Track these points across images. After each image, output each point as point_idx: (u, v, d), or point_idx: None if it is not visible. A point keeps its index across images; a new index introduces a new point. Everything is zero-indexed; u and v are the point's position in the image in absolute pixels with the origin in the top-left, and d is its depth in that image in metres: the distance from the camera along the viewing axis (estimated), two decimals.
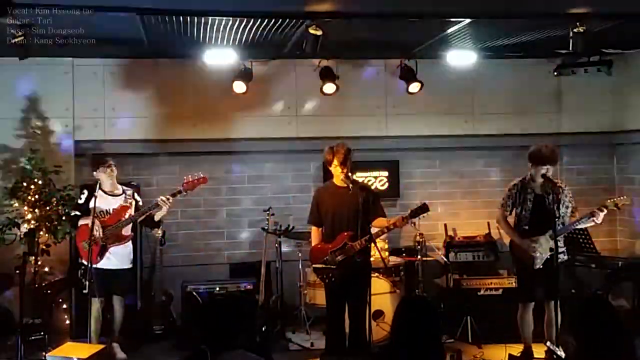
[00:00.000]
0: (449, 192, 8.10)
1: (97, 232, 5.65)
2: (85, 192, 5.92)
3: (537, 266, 5.53)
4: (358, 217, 5.28)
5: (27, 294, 6.25)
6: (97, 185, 5.77)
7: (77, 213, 5.91)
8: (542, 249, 5.49)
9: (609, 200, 5.57)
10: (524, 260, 5.61)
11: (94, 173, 5.96)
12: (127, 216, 5.89)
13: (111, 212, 5.87)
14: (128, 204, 5.97)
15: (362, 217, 5.30)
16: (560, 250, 5.55)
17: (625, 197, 5.71)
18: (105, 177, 5.93)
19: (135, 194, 6.13)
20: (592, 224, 5.55)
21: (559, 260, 5.49)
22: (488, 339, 6.35)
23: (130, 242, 6.02)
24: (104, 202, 5.85)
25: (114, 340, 6.02)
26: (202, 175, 5.86)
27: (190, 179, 5.83)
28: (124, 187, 6.10)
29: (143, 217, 5.93)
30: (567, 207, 5.62)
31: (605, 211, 5.46)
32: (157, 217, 5.98)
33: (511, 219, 5.82)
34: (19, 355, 5.59)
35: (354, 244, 5.32)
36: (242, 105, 7.47)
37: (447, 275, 6.92)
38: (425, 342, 3.05)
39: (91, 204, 5.66)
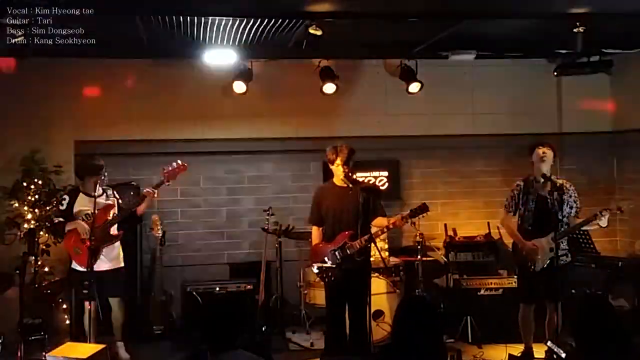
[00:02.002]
0: (449, 192, 8.09)
1: (86, 234, 5.59)
2: (67, 197, 5.86)
3: (539, 268, 5.53)
4: (358, 216, 5.29)
5: (27, 294, 6.25)
6: (98, 186, 5.73)
7: (61, 219, 5.84)
8: (544, 250, 5.48)
9: (612, 203, 5.55)
10: (526, 261, 5.60)
11: (90, 178, 5.77)
12: (112, 215, 5.85)
13: (96, 213, 5.73)
14: (111, 202, 5.92)
15: (362, 216, 5.30)
16: (563, 252, 5.55)
17: (629, 200, 5.66)
18: (98, 182, 5.73)
19: (115, 192, 6.06)
20: (597, 227, 5.50)
21: (562, 262, 5.49)
22: (488, 339, 6.35)
23: (119, 241, 5.93)
24: (87, 204, 5.74)
25: (118, 340, 6.02)
26: (180, 163, 5.85)
27: (170, 168, 5.82)
28: (103, 187, 5.98)
29: (129, 212, 5.84)
30: (571, 207, 5.60)
31: (609, 214, 5.42)
32: (139, 212, 5.96)
33: (515, 220, 5.81)
34: (19, 355, 5.58)
35: (354, 244, 5.33)
36: (242, 105, 7.47)
37: (447, 275, 6.92)
38: (427, 342, 3.05)
39: (75, 208, 5.68)
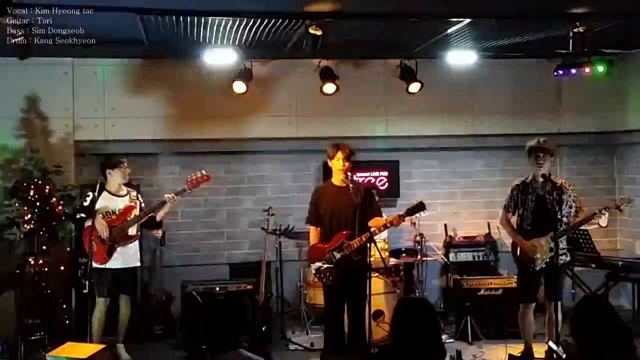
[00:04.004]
0: (449, 192, 8.09)
1: (104, 232, 5.67)
2: (90, 194, 5.89)
3: (539, 267, 5.53)
4: (356, 216, 5.29)
5: (27, 294, 6.25)
6: (98, 186, 5.77)
7: (83, 215, 5.87)
8: (544, 250, 5.48)
9: (610, 202, 5.55)
10: (526, 261, 5.60)
11: (110, 171, 5.91)
12: (132, 216, 5.90)
13: (117, 212, 5.87)
14: (133, 204, 5.98)
15: (360, 216, 5.30)
16: (562, 251, 5.55)
17: (627, 198, 5.66)
18: (120, 178, 5.92)
19: (139, 195, 6.14)
20: (596, 226, 5.51)
21: (562, 261, 5.50)
22: (488, 339, 6.36)
23: (137, 241, 6.01)
24: (110, 202, 5.85)
25: (119, 341, 6.02)
26: (205, 173, 5.87)
27: (194, 177, 5.84)
28: (128, 188, 6.09)
29: (148, 216, 5.91)
30: (570, 207, 5.59)
31: (607, 213, 5.42)
32: (158, 217, 5.98)
33: (514, 220, 5.81)
34: (19, 355, 5.58)
35: (351, 243, 5.32)
36: (242, 105, 7.47)
37: (447, 275, 6.93)
38: (426, 342, 3.05)
39: (98, 205, 5.69)
